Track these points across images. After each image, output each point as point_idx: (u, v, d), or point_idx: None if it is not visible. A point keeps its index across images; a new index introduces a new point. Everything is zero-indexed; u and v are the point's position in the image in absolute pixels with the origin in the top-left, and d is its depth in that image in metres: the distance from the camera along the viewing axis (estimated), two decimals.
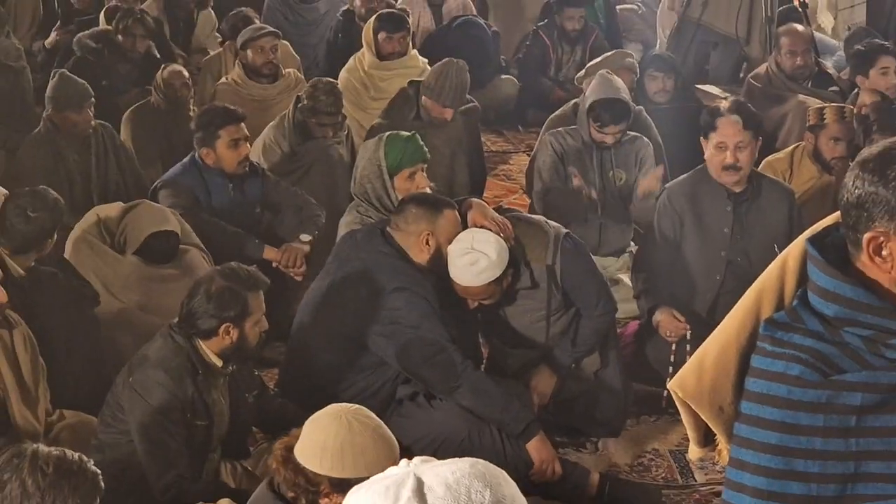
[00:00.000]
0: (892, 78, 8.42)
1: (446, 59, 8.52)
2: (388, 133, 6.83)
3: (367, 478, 2.12)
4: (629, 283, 7.19)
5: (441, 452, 5.72)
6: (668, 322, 6.62)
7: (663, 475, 6.24)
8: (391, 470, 2.06)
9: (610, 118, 7.62)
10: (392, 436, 4.23)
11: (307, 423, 4.23)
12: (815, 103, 8.10)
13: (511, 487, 2.08)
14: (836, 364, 2.84)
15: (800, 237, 3.00)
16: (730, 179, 6.61)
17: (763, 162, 7.42)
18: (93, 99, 8.17)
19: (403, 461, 2.11)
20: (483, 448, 5.72)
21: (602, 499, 5.93)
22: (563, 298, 6.34)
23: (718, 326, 3.06)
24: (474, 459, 2.09)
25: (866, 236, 2.80)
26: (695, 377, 3.03)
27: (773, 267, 3.01)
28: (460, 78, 8.28)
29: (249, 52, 9.33)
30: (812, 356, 2.84)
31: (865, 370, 2.82)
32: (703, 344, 3.09)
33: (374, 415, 4.30)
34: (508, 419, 5.84)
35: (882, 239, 2.79)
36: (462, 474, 2.02)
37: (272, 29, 9.64)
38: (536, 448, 5.82)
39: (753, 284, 3.02)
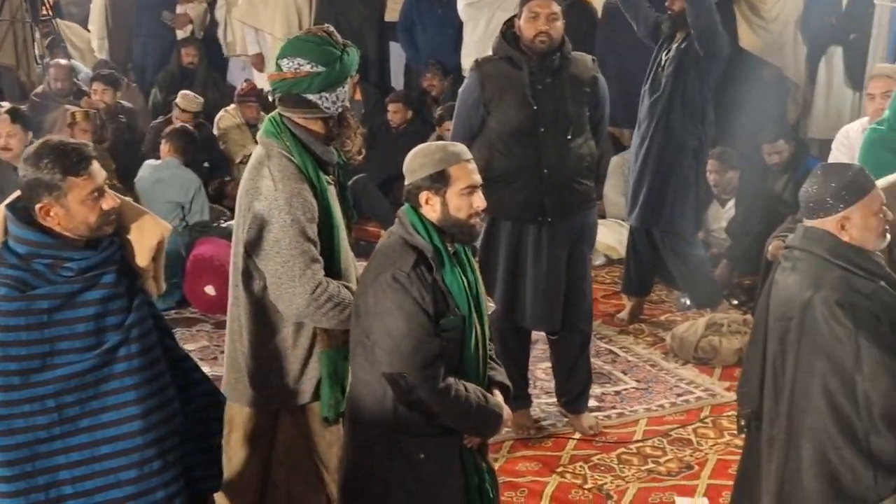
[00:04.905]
0: None
1: None
2: None
3: None
4: None
5: None
6: None
7: None
8: None
9: None
10: None
11: None
12: (75, 110, 7.97)
13: None
14: (30, 284, 2.90)
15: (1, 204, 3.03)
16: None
17: None
18: None
19: None
20: None
21: None
22: None
23: None
24: None
25: (36, 206, 2.92)
26: None
27: None
28: None
29: None
30: (13, 280, 2.89)
31: (50, 286, 2.91)
32: None
33: None
34: None
35: (48, 207, 2.92)
36: None
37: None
38: None
39: None
